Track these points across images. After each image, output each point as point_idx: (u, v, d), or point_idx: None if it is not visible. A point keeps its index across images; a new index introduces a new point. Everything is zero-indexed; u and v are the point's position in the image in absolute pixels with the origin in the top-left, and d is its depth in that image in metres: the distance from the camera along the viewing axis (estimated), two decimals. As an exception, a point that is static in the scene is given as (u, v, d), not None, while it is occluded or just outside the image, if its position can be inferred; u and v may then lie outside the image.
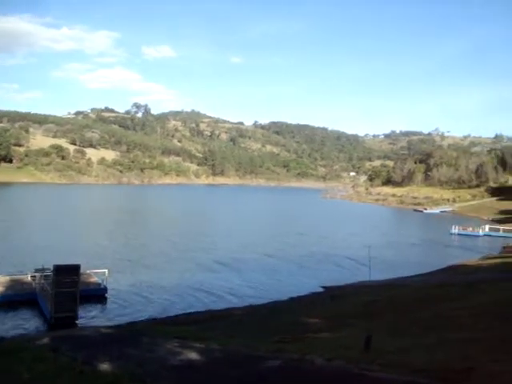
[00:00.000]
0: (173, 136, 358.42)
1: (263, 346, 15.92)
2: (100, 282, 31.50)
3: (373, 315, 23.75)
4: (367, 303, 27.93)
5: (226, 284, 36.36)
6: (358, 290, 34.61)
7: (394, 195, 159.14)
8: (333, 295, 31.93)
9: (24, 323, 25.28)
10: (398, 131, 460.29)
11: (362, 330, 17.89)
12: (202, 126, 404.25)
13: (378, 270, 40.22)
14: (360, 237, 66.71)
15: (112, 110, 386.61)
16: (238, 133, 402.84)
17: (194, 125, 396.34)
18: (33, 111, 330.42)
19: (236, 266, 43.76)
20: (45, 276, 28.73)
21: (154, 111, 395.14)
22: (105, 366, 12.15)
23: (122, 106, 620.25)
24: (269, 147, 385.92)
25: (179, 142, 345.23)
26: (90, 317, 26.54)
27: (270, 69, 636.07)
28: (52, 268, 25.41)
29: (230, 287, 35.42)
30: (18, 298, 28.29)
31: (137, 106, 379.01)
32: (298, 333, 20.24)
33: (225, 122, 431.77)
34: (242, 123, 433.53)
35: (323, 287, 36.45)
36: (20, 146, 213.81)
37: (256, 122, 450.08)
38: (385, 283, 37.27)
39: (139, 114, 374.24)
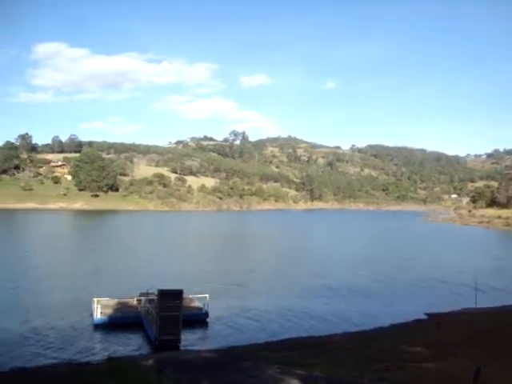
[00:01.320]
0: (270, 162, 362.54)
1: (366, 374, 15.55)
2: (201, 306, 32.10)
3: (480, 345, 22.56)
4: (474, 331, 26.61)
5: (329, 309, 35.85)
6: (464, 318, 33.06)
7: (499, 217, 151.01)
8: (438, 322, 30.68)
9: (130, 344, 26.23)
10: (501, 149, 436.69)
11: (469, 360, 17.05)
12: (299, 152, 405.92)
13: (485, 297, 38.34)
14: (465, 261, 63.89)
15: (211, 139, 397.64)
16: (336, 157, 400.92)
17: (291, 150, 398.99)
18: (136, 142, 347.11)
19: (339, 290, 43.15)
20: (149, 300, 29.74)
21: (252, 138, 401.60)
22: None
23: (220, 135, 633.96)
24: (367, 170, 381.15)
25: (277, 167, 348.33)
26: (192, 340, 27.04)
27: (365, 91, 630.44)
28: (156, 292, 26.24)
29: (332, 312, 34.90)
30: (125, 321, 29.47)
31: (234, 133, 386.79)
32: (400, 361, 19.60)
33: (322, 146, 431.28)
34: (339, 147, 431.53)
35: (427, 314, 35.15)
36: (125, 175, 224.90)
37: (353, 145, 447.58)
38: (493, 311, 35.38)
39: (237, 142, 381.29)
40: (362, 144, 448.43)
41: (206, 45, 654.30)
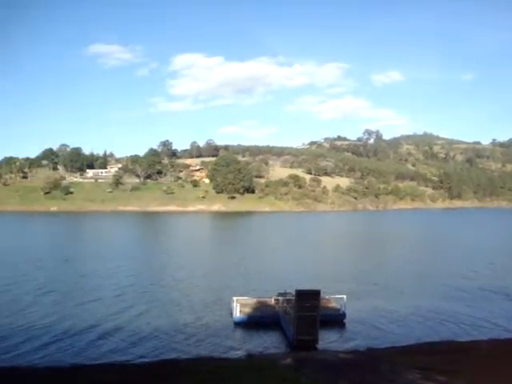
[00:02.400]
0: (406, 160, 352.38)
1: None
2: (339, 307, 31.82)
3: None
4: None
5: (473, 312, 33.71)
6: None
7: None
8: None
9: (268, 343, 26.56)
10: None
11: None
12: (436, 149, 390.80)
13: None
14: None
15: (344, 139, 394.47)
16: (475, 153, 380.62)
17: (427, 148, 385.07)
18: (271, 144, 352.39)
19: (485, 293, 40.41)
20: (287, 300, 29.97)
21: (386, 136, 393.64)
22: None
23: (353, 134, 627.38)
24: (510, 166, 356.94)
25: (413, 165, 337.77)
26: (328, 341, 26.83)
27: (506, 81, 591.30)
28: (294, 292, 26.38)
29: (476, 316, 32.81)
30: (263, 320, 29.95)
31: (368, 132, 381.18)
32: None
33: (460, 142, 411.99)
34: (478, 142, 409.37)
35: None
36: (261, 177, 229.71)
37: (494, 140, 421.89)
38: None
39: (371, 141, 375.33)
40: (503, 138, 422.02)
41: (335, 45, 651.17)
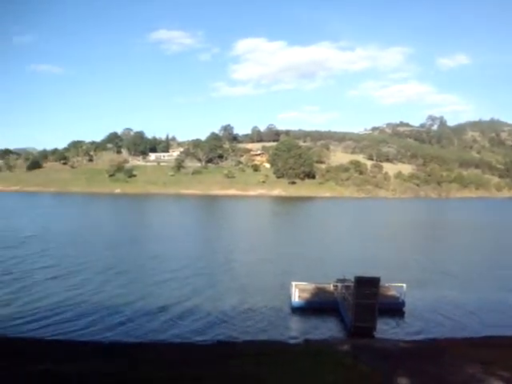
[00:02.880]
0: (471, 147, 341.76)
1: None
2: (398, 295, 31.49)
3: None
4: None
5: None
6: None
7: None
8: None
9: (325, 328, 26.62)
10: None
11: None
12: (503, 136, 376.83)
13: None
14: None
15: (407, 124, 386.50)
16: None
17: (493, 134, 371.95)
18: (332, 130, 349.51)
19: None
20: (346, 286, 29.91)
21: (450, 123, 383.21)
22: (404, 382, 12.07)
23: (416, 120, 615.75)
24: None
25: (478, 153, 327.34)
26: (386, 329, 26.62)
27: None
28: (353, 279, 26.30)
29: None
30: (321, 305, 29.99)
31: (432, 118, 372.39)
32: None
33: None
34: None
35: None
36: (322, 162, 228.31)
37: None
38: None
39: (434, 127, 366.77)
40: None
41: (399, 28, 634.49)
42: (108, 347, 21.04)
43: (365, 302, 25.04)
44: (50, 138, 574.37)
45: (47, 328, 24.36)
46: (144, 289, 33.57)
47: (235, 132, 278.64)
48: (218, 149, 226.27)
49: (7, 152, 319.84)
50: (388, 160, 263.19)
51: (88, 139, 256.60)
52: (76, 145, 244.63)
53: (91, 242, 54.70)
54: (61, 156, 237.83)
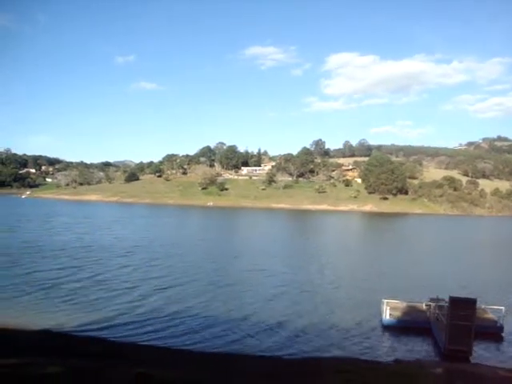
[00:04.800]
0: None
1: None
2: (496, 319, 30.29)
3: None
4: None
5: None
6: None
7: None
8: None
9: (417, 349, 25.95)
10: None
11: None
12: None
13: None
14: None
15: (505, 139, 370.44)
16: None
17: None
18: (425, 145, 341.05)
19: None
20: (439, 306, 29.24)
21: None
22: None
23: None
24: None
25: None
26: (482, 354, 25.47)
27: None
28: (447, 299, 25.72)
29: None
30: (413, 325, 29.36)
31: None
32: None
33: None
34: None
35: None
36: (414, 178, 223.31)
37: None
38: None
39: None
40: None
41: (499, 38, 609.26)
42: (203, 357, 21.73)
43: (460, 323, 24.33)
44: (147, 151, 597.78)
45: (149, 334, 25.40)
46: (237, 302, 34.07)
47: (327, 147, 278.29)
48: (309, 163, 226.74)
49: (107, 165, 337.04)
50: (484, 176, 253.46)
51: (182, 153, 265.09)
52: (170, 158, 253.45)
53: (194, 254, 56.07)
54: (156, 169, 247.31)
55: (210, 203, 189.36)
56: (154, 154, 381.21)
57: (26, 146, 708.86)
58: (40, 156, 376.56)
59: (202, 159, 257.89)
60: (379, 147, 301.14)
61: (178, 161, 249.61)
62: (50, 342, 20.41)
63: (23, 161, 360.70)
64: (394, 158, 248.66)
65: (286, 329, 27.85)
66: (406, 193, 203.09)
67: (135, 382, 11.57)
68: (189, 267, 46.28)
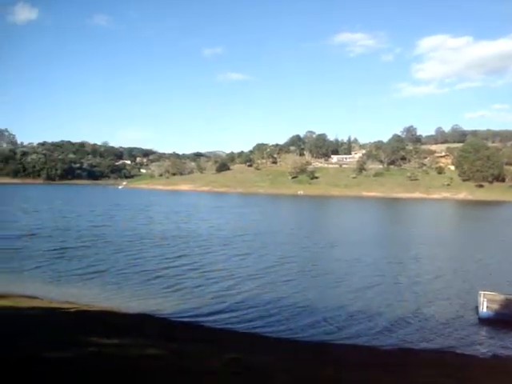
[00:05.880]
0: None
1: None
2: None
3: None
4: None
5: None
6: None
7: None
8: None
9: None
10: None
11: None
12: None
13: None
14: None
15: None
16: None
17: None
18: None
19: None
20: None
21: None
22: None
23: None
24: None
25: None
26: None
27: None
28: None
29: None
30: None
31: None
32: None
33: None
34: None
35: None
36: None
37: None
38: None
39: None
40: None
41: None
42: (294, 345, 21.98)
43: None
44: (237, 141, 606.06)
45: (242, 321, 25.89)
46: (327, 291, 34.11)
47: (418, 133, 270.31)
48: (400, 151, 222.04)
49: (198, 155, 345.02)
50: None
51: (272, 142, 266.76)
52: (260, 148, 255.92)
53: (289, 243, 56.13)
54: (247, 158, 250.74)
55: (301, 192, 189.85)
56: (244, 143, 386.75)
57: (121, 138, 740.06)
58: (135, 148, 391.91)
59: (292, 148, 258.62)
60: (474, 132, 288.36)
61: (267, 150, 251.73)
62: (149, 326, 21.41)
63: (119, 153, 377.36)
64: (489, 144, 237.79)
65: (379, 319, 27.51)
66: (503, 180, 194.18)
67: (228, 367, 11.98)
68: (283, 256, 46.49)
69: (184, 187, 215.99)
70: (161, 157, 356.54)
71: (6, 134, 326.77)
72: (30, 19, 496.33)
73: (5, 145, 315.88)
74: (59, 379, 8.15)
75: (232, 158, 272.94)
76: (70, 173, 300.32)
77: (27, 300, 25.58)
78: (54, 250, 45.48)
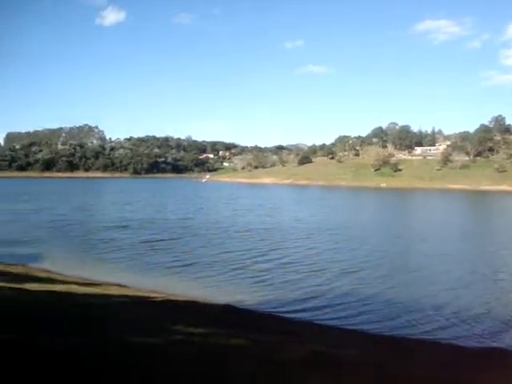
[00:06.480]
0: None
1: None
2: None
3: None
4: None
5: None
6: None
7: None
8: None
9: None
10: None
11: None
12: None
13: None
14: None
15: None
16: None
17: None
18: None
19: None
20: None
21: None
22: None
23: None
24: None
25: None
26: None
27: None
28: None
29: None
30: None
31: None
32: None
33: None
34: None
35: None
36: None
37: None
38: None
39: None
40: None
41: None
42: (379, 339, 21.56)
43: None
44: (319, 134, 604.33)
45: (326, 315, 25.53)
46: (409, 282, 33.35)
47: (507, 123, 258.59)
48: (487, 141, 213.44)
49: (280, 148, 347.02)
50: None
51: (354, 134, 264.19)
52: (342, 140, 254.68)
53: (376, 237, 54.92)
54: (328, 151, 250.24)
55: (383, 184, 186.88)
56: (326, 136, 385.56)
57: (204, 132, 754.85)
58: (217, 142, 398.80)
59: (375, 140, 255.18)
60: None
61: (350, 142, 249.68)
62: (233, 316, 21.79)
63: (202, 147, 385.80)
64: None
65: (467, 317, 26.51)
66: None
67: (311, 359, 12.04)
68: (372, 251, 45.22)
69: (266, 180, 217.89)
70: (243, 150, 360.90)
71: (96, 130, 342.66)
72: (118, 21, 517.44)
73: (95, 141, 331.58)
74: (148, 363, 8.49)
75: (314, 150, 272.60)
76: (155, 167, 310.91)
77: (117, 288, 26.70)
78: (144, 241, 47.28)
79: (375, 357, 16.14)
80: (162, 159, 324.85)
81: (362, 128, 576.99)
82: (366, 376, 11.23)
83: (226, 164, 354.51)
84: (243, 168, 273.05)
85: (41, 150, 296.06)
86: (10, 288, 19.49)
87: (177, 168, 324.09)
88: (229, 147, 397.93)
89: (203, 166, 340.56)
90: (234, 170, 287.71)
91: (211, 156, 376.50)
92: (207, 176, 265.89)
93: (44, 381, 7.03)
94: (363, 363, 13.67)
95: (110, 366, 8.10)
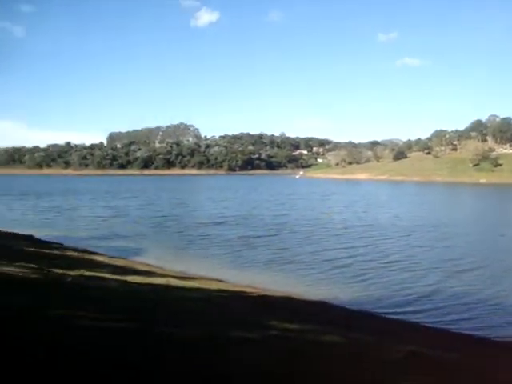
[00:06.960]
0: None
1: None
2: None
3: None
4: None
5: None
6: None
7: None
8: None
9: None
10: None
11: None
12: None
13: None
14: None
15: None
16: None
17: None
18: None
19: None
20: None
21: None
22: None
23: None
24: None
25: None
26: None
27: None
28: None
29: None
30: None
31: None
32: None
33: None
34: None
35: None
36: None
37: None
38: None
39: None
40: None
41: None
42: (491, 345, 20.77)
43: None
44: (414, 128, 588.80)
45: (427, 316, 24.84)
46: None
47: None
48: None
49: (375, 143, 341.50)
50: None
51: (451, 128, 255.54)
52: (439, 134, 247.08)
53: (481, 234, 53.48)
54: (424, 146, 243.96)
55: (483, 180, 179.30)
56: (421, 130, 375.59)
57: (297, 129, 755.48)
58: (311, 138, 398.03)
59: (473, 134, 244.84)
60: None
61: (447, 137, 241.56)
62: (328, 313, 22.06)
63: (296, 143, 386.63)
64: None
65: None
66: None
67: (408, 360, 12.15)
68: (479, 249, 43.52)
69: (360, 176, 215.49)
70: (336, 146, 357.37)
71: (191, 128, 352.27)
72: (212, 22, 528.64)
73: (190, 139, 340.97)
74: (241, 355, 8.98)
75: (409, 145, 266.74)
76: (249, 163, 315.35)
77: (215, 282, 27.66)
78: (241, 237, 48.45)
79: (478, 361, 15.90)
80: (256, 156, 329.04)
81: (459, 121, 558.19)
82: (467, 380, 11.22)
83: (319, 160, 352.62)
84: (337, 164, 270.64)
85: (140, 149, 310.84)
86: (115, 280, 20.85)
87: (270, 165, 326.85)
88: (322, 143, 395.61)
89: (297, 163, 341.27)
90: (328, 166, 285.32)
91: (305, 152, 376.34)
92: (301, 172, 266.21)
93: (170, 366, 7.69)
94: (464, 367, 13.57)
95: (221, 356, 8.71)
